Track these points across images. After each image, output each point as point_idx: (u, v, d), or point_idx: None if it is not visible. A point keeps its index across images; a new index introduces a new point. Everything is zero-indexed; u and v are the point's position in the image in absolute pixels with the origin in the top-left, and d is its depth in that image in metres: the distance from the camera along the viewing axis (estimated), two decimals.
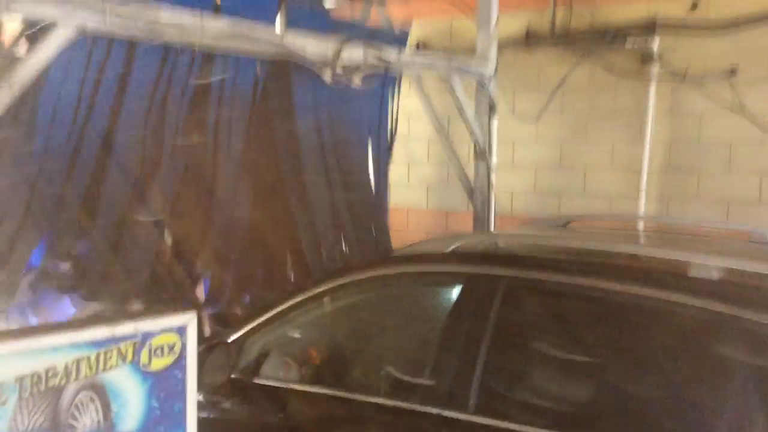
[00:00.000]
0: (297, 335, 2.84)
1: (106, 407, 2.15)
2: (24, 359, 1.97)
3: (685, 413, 2.05)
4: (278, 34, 3.55)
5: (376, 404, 2.47)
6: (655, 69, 5.27)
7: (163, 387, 2.26)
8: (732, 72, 5.02)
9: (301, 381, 2.72)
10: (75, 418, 2.08)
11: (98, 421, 2.12)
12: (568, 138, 5.76)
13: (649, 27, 5.27)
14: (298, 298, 2.74)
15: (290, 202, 3.93)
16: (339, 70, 3.78)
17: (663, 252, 2.49)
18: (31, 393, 1.97)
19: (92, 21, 2.74)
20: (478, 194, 5.12)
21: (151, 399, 2.23)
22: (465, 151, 5.48)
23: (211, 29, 3.22)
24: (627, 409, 2.12)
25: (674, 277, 2.25)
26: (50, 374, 2.01)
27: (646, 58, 5.30)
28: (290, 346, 2.80)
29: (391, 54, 4.14)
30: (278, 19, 3.71)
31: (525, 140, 5.94)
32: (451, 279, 2.55)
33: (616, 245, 2.62)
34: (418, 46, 6.40)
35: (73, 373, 2.05)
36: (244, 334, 2.78)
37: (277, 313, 2.76)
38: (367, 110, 4.54)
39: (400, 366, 2.59)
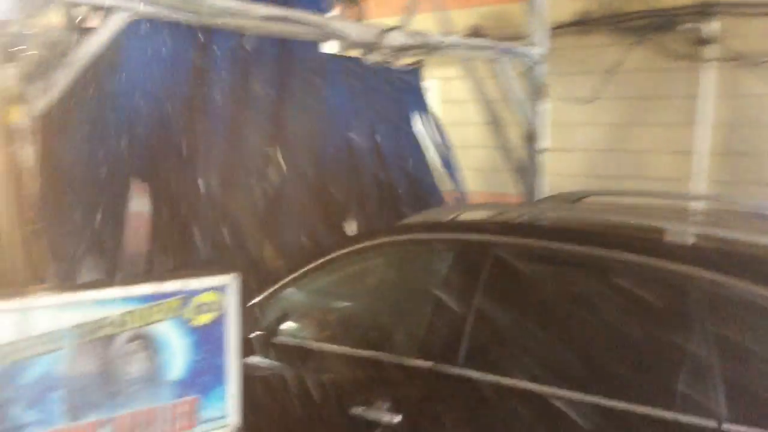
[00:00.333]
0: (313, 298, 3.06)
1: (154, 357, 2.34)
2: (80, 310, 2.17)
3: (652, 366, 2.21)
4: (323, 18, 3.70)
5: (382, 360, 2.66)
6: (710, 51, 5.18)
7: (207, 341, 2.44)
8: None
9: (315, 340, 2.93)
10: (126, 365, 2.28)
11: (147, 369, 2.32)
12: (623, 121, 5.72)
13: (705, 8, 5.19)
14: (313, 265, 2.96)
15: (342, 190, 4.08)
16: (383, 52, 3.89)
17: (645, 220, 2.59)
18: (86, 340, 2.18)
19: (146, 6, 2.95)
20: (527, 177, 5.16)
21: (196, 352, 2.42)
22: (518, 135, 5.50)
23: (258, 13, 3.39)
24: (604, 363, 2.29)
25: (644, 241, 2.38)
26: (103, 324, 2.21)
27: (701, 39, 5.22)
28: (306, 308, 3.02)
29: (434, 37, 4.23)
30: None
31: (579, 123, 5.92)
32: (446, 245, 2.74)
33: (604, 215, 2.82)
34: (471, 33, 6.46)
35: (124, 324, 2.25)
36: (264, 298, 3.01)
37: (294, 278, 2.99)
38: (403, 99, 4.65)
39: (404, 325, 2.81)
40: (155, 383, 2.34)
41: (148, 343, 2.32)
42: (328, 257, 2.93)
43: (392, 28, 4.06)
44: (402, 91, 4.60)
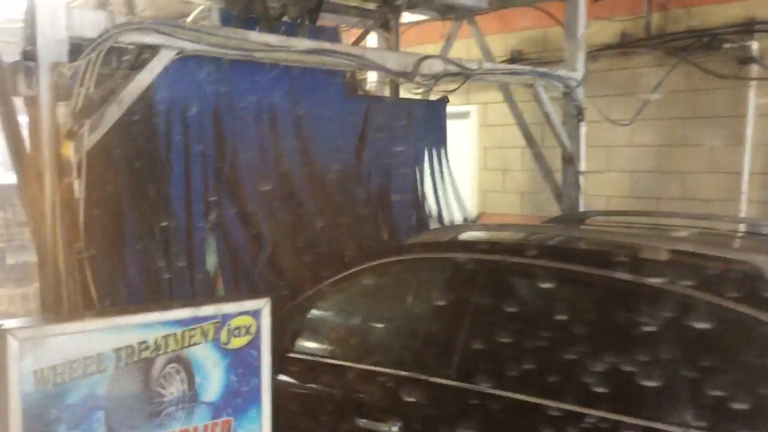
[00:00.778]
0: (325, 315, 3.26)
1: (190, 379, 2.46)
2: (120, 334, 2.30)
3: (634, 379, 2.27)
4: (360, 49, 3.82)
5: (386, 374, 2.84)
6: (754, 70, 5.12)
7: (241, 363, 2.55)
8: None
9: (325, 355, 3.12)
10: (163, 387, 2.40)
11: (183, 390, 2.44)
12: (665, 142, 5.67)
13: (748, 28, 5.13)
14: (325, 284, 3.17)
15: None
16: (419, 79, 3.98)
17: (623, 239, 2.82)
18: (126, 363, 2.31)
19: (190, 45, 3.11)
20: (566, 199, 5.16)
21: (230, 374, 2.53)
22: (558, 157, 5.52)
23: (299, 46, 3.53)
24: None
25: (625, 260, 2.51)
26: (142, 347, 2.34)
27: (744, 59, 5.16)
28: (319, 324, 3.22)
29: (470, 63, 4.31)
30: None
31: (621, 145, 5.89)
32: (444, 264, 2.95)
33: (591, 235, 3.04)
34: (512, 56, 6.51)
35: (162, 347, 2.38)
36: (283, 314, 3.16)
37: (309, 296, 3.21)
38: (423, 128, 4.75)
39: (406, 340, 2.99)
40: (192, 405, 2.46)
41: (185, 366, 2.44)
42: (338, 276, 3.12)
43: (428, 56, 4.16)
44: (422, 123, 4.71)
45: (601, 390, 2.33)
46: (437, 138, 4.95)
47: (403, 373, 2.81)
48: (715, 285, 2.26)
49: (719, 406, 2.12)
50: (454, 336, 2.70)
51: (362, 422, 2.81)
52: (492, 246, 2.95)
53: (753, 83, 5.13)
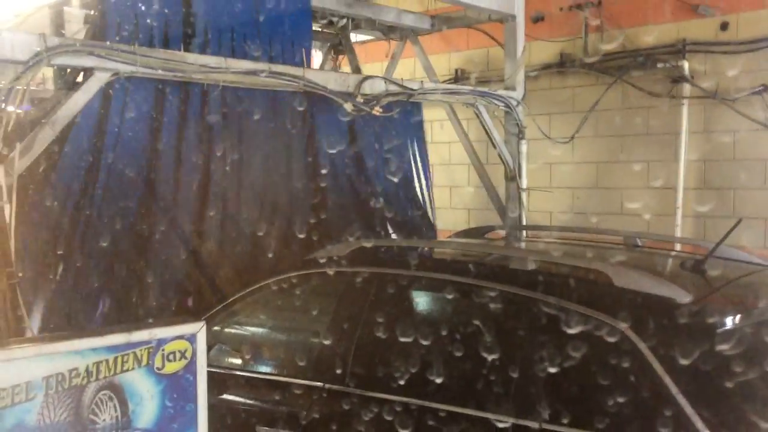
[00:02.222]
0: (231, 329, 3.34)
1: (124, 405, 2.42)
2: (50, 361, 2.26)
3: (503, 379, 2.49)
4: (301, 70, 3.85)
5: (286, 383, 2.97)
6: (686, 89, 5.31)
7: (176, 389, 2.52)
8: (764, 89, 5.02)
9: (232, 366, 3.16)
10: (95, 414, 2.36)
11: (117, 418, 2.40)
12: (604, 159, 5.83)
13: (680, 48, 5.33)
14: (236, 298, 3.26)
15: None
16: (360, 100, 4.03)
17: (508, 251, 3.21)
18: (56, 390, 2.26)
19: (125, 67, 3.10)
20: (509, 215, 5.26)
21: (165, 399, 2.50)
22: (502, 174, 5.63)
23: (239, 67, 3.54)
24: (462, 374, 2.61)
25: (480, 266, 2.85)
26: (73, 374, 2.30)
27: (677, 78, 5.35)
28: (225, 338, 3.27)
29: (412, 83, 4.38)
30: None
31: (561, 162, 6.04)
32: (340, 277, 3.07)
33: (476, 249, 3.30)
34: (456, 75, 6.63)
35: (94, 374, 2.34)
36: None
37: (217, 311, 3.26)
38: (396, 136, 4.79)
39: (304, 351, 3.11)
40: (126, 431, 2.42)
41: (117, 393, 2.40)
42: (249, 289, 3.23)
43: (369, 77, 4.21)
44: (402, 125, 4.79)
45: (458, 386, 2.60)
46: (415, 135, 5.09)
47: (302, 381, 2.93)
48: (567, 291, 2.49)
49: (571, 400, 2.35)
50: (346, 345, 2.86)
51: (263, 430, 2.91)
52: (378, 260, 3.13)
53: (685, 101, 5.33)
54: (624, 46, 5.61)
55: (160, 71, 3.24)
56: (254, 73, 3.61)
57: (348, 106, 3.97)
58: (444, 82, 6.11)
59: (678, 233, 5.32)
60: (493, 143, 5.19)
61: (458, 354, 2.61)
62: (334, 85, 4.01)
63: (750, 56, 5.06)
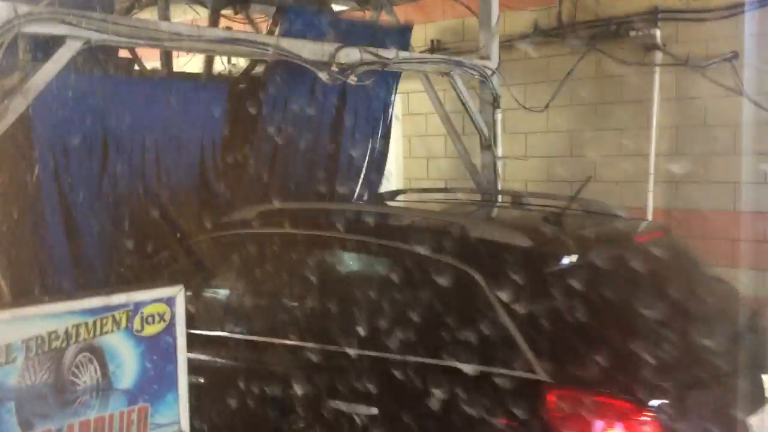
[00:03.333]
0: None
1: (104, 367, 2.47)
2: (29, 324, 2.30)
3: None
4: (275, 38, 3.85)
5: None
6: (658, 57, 5.38)
7: (156, 350, 2.57)
8: (734, 56, 5.09)
9: None
10: (76, 376, 2.40)
11: (97, 379, 2.45)
12: (578, 127, 5.90)
13: (652, 16, 5.39)
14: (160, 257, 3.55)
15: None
16: (335, 69, 4.04)
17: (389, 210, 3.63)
18: (36, 353, 2.30)
19: (97, 36, 3.09)
20: (485, 184, 5.31)
21: (145, 361, 2.55)
22: (476, 144, 5.67)
23: (208, 36, 3.54)
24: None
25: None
26: (53, 337, 2.34)
27: (649, 46, 5.41)
28: None
29: (388, 53, 4.39)
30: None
31: (537, 131, 6.10)
32: (242, 238, 3.37)
33: (368, 209, 3.62)
34: (432, 46, 6.64)
35: (73, 337, 2.38)
36: None
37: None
38: (366, 105, 4.79)
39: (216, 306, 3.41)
40: (106, 392, 2.47)
41: (97, 354, 2.45)
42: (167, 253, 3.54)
43: (344, 46, 4.22)
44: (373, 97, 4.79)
45: (334, 327, 2.93)
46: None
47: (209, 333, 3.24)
48: (429, 241, 2.84)
49: (428, 333, 2.69)
50: (256, 299, 3.23)
51: None
52: (273, 221, 3.38)
53: (657, 69, 5.39)
54: (597, 14, 5.65)
55: (132, 40, 3.24)
56: (227, 41, 3.61)
57: (323, 75, 3.98)
58: (420, 53, 6.11)
59: (650, 199, 5.42)
60: (468, 113, 5.23)
61: (333, 299, 2.99)
62: (308, 54, 4.02)
63: (721, 23, 5.12)
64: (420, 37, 6.63)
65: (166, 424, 2.57)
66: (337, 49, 4.16)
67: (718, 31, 5.15)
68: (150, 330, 2.55)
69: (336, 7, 6.08)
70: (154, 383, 2.57)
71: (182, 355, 2.62)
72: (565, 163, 5.93)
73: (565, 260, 2.73)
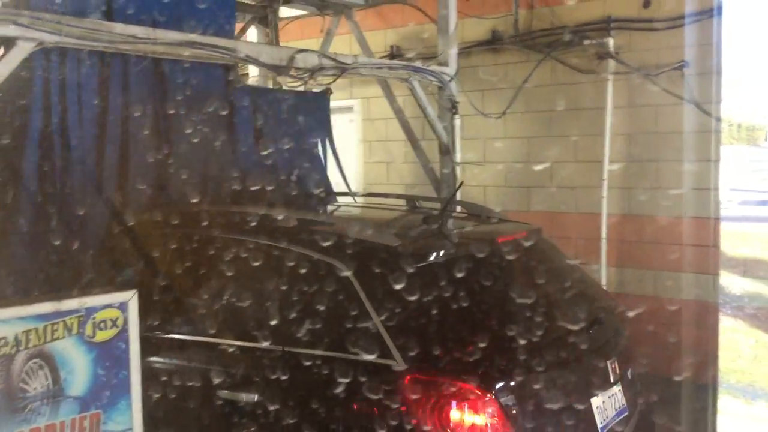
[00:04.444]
0: None
1: (55, 374, 2.43)
2: None
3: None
4: (232, 42, 3.84)
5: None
6: (611, 65, 5.51)
7: (108, 357, 2.55)
8: (684, 64, 5.25)
9: None
10: (26, 383, 2.37)
11: (48, 386, 2.41)
12: (535, 133, 6.00)
13: (605, 25, 5.52)
14: None
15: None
16: (293, 73, 4.05)
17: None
18: None
19: (50, 36, 3.05)
20: (444, 189, 5.37)
21: (97, 367, 2.52)
22: (435, 150, 5.73)
23: (168, 38, 3.52)
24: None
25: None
26: (1, 343, 2.30)
27: (602, 54, 5.54)
28: None
29: (346, 58, 4.42)
30: None
31: (494, 137, 6.19)
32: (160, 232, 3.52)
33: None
34: (391, 52, 6.69)
35: (23, 343, 2.35)
36: None
37: None
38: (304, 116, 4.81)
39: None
40: (57, 399, 2.43)
41: (48, 361, 2.41)
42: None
43: (302, 50, 4.23)
44: (305, 113, 4.77)
45: (222, 321, 3.14)
46: (321, 128, 5.02)
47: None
48: (311, 241, 3.11)
49: (307, 325, 2.90)
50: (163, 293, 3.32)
51: None
52: (187, 221, 3.53)
53: (611, 77, 5.52)
54: (552, 23, 5.76)
55: (86, 41, 3.20)
56: (184, 44, 3.59)
57: (281, 80, 3.99)
58: (380, 58, 6.15)
59: (604, 204, 5.53)
60: (427, 119, 5.28)
61: (222, 294, 3.16)
62: (266, 58, 4.02)
63: (671, 33, 5.28)
64: (380, 42, 6.68)
65: (119, 431, 2.55)
66: (294, 54, 4.17)
67: (668, 40, 5.30)
68: (102, 336, 2.53)
69: (295, 12, 6.10)
70: (107, 389, 2.54)
71: (135, 361, 2.60)
72: (522, 168, 6.03)
73: (428, 258, 3.05)
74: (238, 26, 5.71)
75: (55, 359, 2.43)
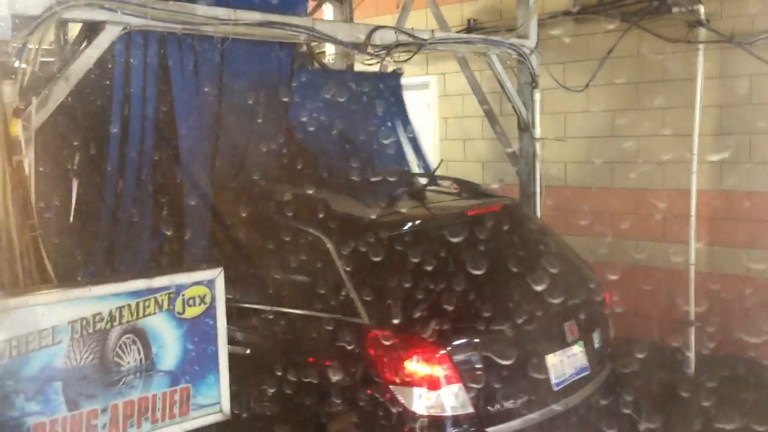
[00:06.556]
0: None
1: (147, 348, 2.51)
2: (74, 307, 2.35)
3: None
4: (310, 21, 3.84)
5: None
6: (702, 33, 5.22)
7: (197, 332, 2.61)
8: None
9: None
10: (120, 357, 2.45)
11: (140, 360, 2.49)
12: (619, 107, 5.77)
13: None
14: None
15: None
16: (371, 50, 4.02)
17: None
18: (81, 335, 2.35)
19: (135, 20, 3.12)
20: (523, 165, 5.25)
21: (187, 342, 2.59)
22: (514, 125, 5.60)
23: (247, 19, 3.55)
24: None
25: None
26: (97, 319, 2.38)
27: (692, 23, 5.26)
28: None
29: (423, 33, 4.35)
30: None
31: (576, 111, 5.99)
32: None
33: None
34: (468, 25, 6.56)
35: (117, 318, 2.43)
36: None
37: None
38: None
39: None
40: (149, 373, 2.51)
41: (140, 336, 2.49)
42: None
43: (380, 27, 4.19)
44: (378, 95, 4.73)
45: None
46: (397, 109, 4.98)
47: None
48: (296, 212, 3.44)
49: (287, 288, 3.34)
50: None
51: None
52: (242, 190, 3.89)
53: (701, 46, 5.24)
54: None
55: (170, 24, 3.25)
56: (264, 24, 3.61)
57: (359, 57, 3.96)
58: (457, 33, 6.04)
59: (694, 180, 5.28)
60: (505, 93, 5.16)
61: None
62: (343, 36, 4.00)
63: None
64: (456, 16, 6.55)
65: (207, 405, 2.61)
66: (372, 31, 4.14)
67: (763, 5, 4.98)
68: (191, 312, 2.59)
69: None
70: (196, 364, 2.61)
71: (223, 337, 2.65)
72: (605, 143, 5.82)
73: (400, 229, 3.40)
74: (312, 4, 5.70)
75: (147, 334, 2.50)
